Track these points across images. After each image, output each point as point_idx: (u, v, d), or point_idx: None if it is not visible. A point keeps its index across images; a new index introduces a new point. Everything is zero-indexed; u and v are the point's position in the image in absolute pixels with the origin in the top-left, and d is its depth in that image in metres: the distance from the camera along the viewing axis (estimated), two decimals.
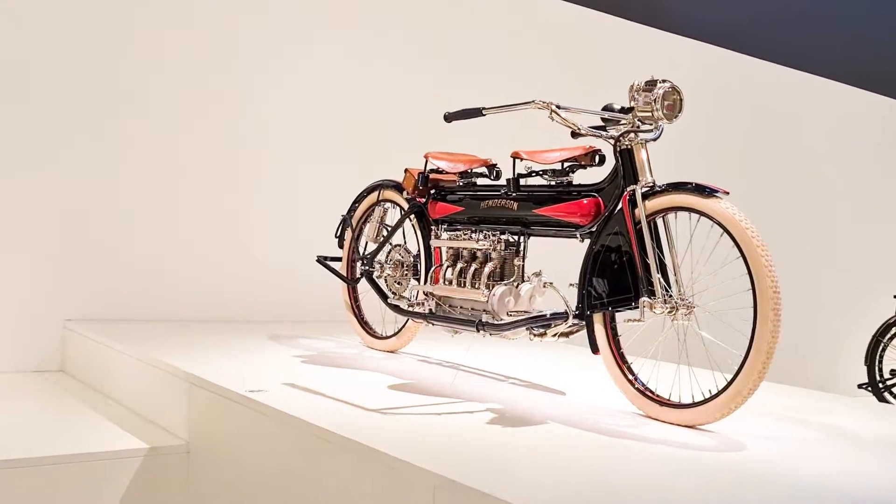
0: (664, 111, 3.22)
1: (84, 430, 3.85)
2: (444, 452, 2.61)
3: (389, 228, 4.49)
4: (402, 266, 4.48)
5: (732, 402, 2.96)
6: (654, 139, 3.37)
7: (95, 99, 5.45)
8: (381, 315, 4.55)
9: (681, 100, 3.26)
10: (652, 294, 3.18)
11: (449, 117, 3.68)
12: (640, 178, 3.27)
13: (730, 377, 3.00)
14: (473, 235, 3.88)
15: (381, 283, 4.53)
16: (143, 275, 5.61)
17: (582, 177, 3.64)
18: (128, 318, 5.46)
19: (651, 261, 3.18)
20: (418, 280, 4.35)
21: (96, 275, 5.44)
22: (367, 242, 4.67)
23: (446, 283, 3.96)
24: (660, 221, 3.26)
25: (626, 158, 3.32)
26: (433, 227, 4.15)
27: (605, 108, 3.48)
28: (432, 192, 4.23)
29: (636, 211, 3.25)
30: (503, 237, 3.78)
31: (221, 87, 5.90)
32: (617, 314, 3.38)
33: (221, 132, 5.89)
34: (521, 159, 3.69)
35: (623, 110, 3.46)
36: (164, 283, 5.67)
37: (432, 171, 4.21)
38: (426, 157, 4.18)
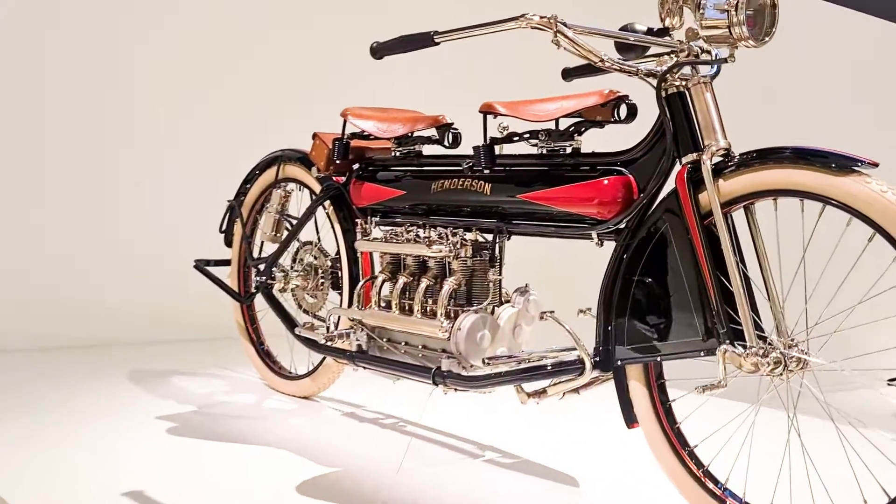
0: (747, 26, 1.90)
1: None
2: None
3: (294, 221, 3.10)
4: (316, 273, 3.10)
5: None
6: (712, 78, 2.06)
7: None
8: (290, 342, 3.16)
9: (773, 6, 1.94)
10: (737, 337, 1.88)
11: (379, 50, 2.29)
12: (707, 142, 1.95)
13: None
14: (422, 234, 2.53)
15: (286, 299, 3.15)
16: None
17: (597, 140, 2.31)
18: None
19: (735, 281, 1.87)
20: (340, 293, 2.98)
21: None
22: (263, 242, 3.27)
23: (383, 305, 2.61)
24: (741, 214, 1.95)
25: (680, 109, 2.00)
26: (359, 221, 2.78)
27: (625, 29, 2.17)
28: (356, 167, 2.86)
29: (702, 196, 1.94)
30: (469, 237, 2.44)
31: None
32: (669, 363, 2.08)
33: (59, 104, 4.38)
34: (496, 115, 2.33)
35: (657, 33, 2.15)
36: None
37: (354, 135, 2.83)
38: (344, 115, 2.79)
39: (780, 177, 1.83)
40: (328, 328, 2.84)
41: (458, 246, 2.43)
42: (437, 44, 2.14)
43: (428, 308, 2.49)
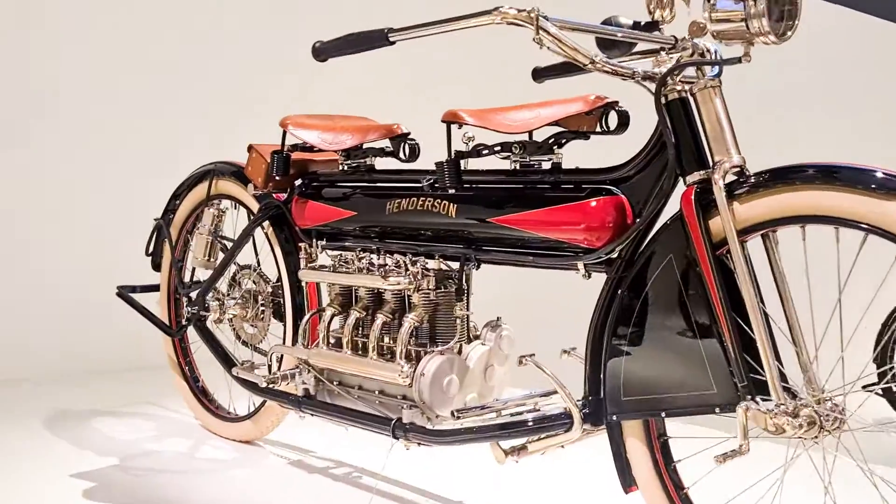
0: (767, 18, 1.59)
1: None
2: None
3: (230, 244, 2.73)
4: (256, 300, 2.74)
5: None
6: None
7: None
8: (228, 378, 2.78)
9: None
10: (759, 390, 1.57)
11: (323, 51, 1.93)
12: (717, 158, 1.64)
13: None
14: (376, 261, 2.19)
15: (224, 330, 2.79)
16: None
17: (581, 154, 2.00)
18: None
19: (756, 323, 1.57)
20: (284, 323, 2.63)
21: None
22: (195, 267, 2.90)
23: (332, 343, 2.26)
24: (757, 243, 1.65)
25: (683, 118, 1.68)
26: (303, 245, 2.43)
27: (608, 24, 1.87)
28: (299, 183, 2.50)
29: (713, 222, 1.63)
30: (432, 265, 2.11)
31: None
32: (671, 420, 1.76)
33: None
34: (462, 125, 2.00)
35: (645, 27, 1.85)
36: None
37: (296, 147, 2.47)
38: (284, 125, 2.43)
39: (809, 200, 1.53)
40: (270, 368, 2.49)
41: (419, 277, 2.10)
42: (393, 43, 1.79)
43: (385, 347, 2.16)
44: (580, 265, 1.86)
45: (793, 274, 1.63)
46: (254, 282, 2.77)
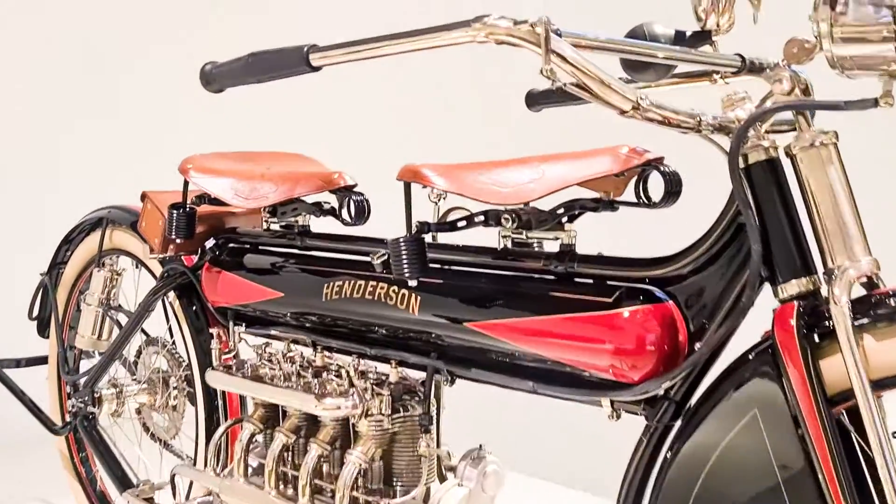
0: None
1: None
2: None
3: (126, 316, 2.09)
4: (167, 384, 2.10)
5: None
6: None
7: None
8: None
9: None
10: None
11: (217, 77, 1.28)
12: (839, 262, 1.02)
13: None
14: (313, 360, 1.57)
15: (125, 421, 2.15)
16: None
17: (604, 227, 1.38)
18: None
19: None
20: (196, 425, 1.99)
21: None
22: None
23: (249, 476, 1.63)
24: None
25: (773, 190, 1.06)
26: (215, 331, 1.80)
27: (637, 36, 1.26)
28: (212, 245, 1.86)
29: (827, 363, 1.01)
30: (391, 376, 1.48)
31: None
32: None
33: None
34: (426, 187, 1.36)
35: (689, 40, 1.25)
36: None
37: (202, 199, 1.81)
38: (184, 171, 1.77)
39: None
40: (174, 491, 1.86)
41: (370, 396, 1.47)
42: (317, 69, 1.15)
43: (324, 490, 1.53)
44: (604, 402, 1.23)
45: None
46: (164, 357, 2.13)
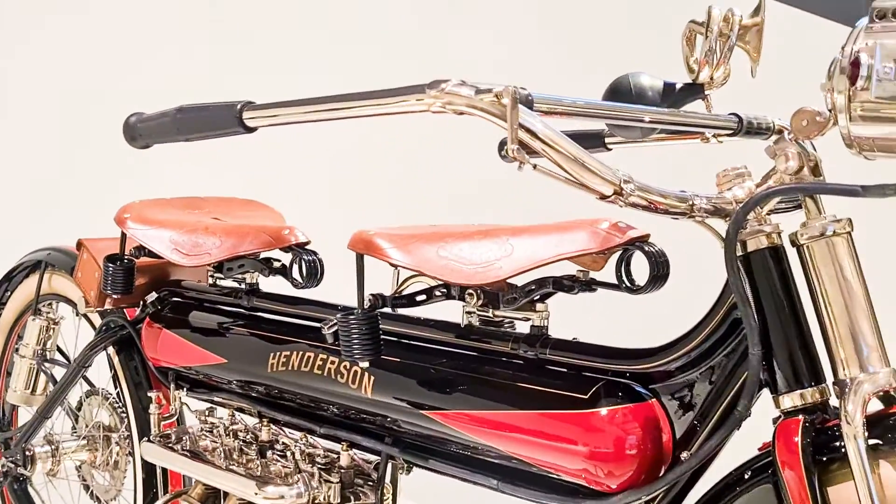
0: None
1: None
2: None
3: (63, 369, 1.92)
4: (109, 440, 1.93)
5: None
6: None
7: None
8: None
9: None
10: None
11: (142, 133, 1.13)
12: (852, 373, 0.87)
13: None
14: (261, 434, 1.41)
15: (63, 480, 1.98)
16: None
17: (574, 305, 1.22)
18: None
19: None
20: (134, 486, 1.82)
21: None
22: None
23: None
24: None
25: (775, 283, 0.92)
26: (157, 393, 1.64)
27: (621, 90, 1.11)
28: (153, 299, 1.69)
29: (836, 491, 0.86)
30: (342, 459, 1.32)
31: None
32: None
33: None
34: (380, 258, 1.20)
35: (679, 93, 1.10)
36: None
37: (141, 251, 1.64)
38: (120, 222, 1.60)
39: None
40: None
41: (317, 483, 1.31)
42: (251, 130, 1.00)
43: None
44: None
45: None
46: (107, 412, 1.97)
